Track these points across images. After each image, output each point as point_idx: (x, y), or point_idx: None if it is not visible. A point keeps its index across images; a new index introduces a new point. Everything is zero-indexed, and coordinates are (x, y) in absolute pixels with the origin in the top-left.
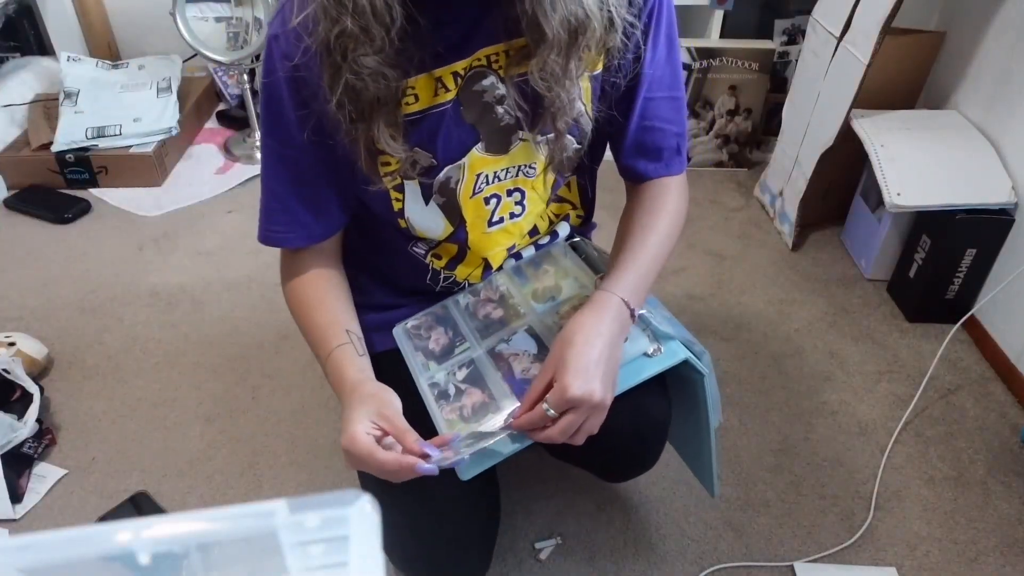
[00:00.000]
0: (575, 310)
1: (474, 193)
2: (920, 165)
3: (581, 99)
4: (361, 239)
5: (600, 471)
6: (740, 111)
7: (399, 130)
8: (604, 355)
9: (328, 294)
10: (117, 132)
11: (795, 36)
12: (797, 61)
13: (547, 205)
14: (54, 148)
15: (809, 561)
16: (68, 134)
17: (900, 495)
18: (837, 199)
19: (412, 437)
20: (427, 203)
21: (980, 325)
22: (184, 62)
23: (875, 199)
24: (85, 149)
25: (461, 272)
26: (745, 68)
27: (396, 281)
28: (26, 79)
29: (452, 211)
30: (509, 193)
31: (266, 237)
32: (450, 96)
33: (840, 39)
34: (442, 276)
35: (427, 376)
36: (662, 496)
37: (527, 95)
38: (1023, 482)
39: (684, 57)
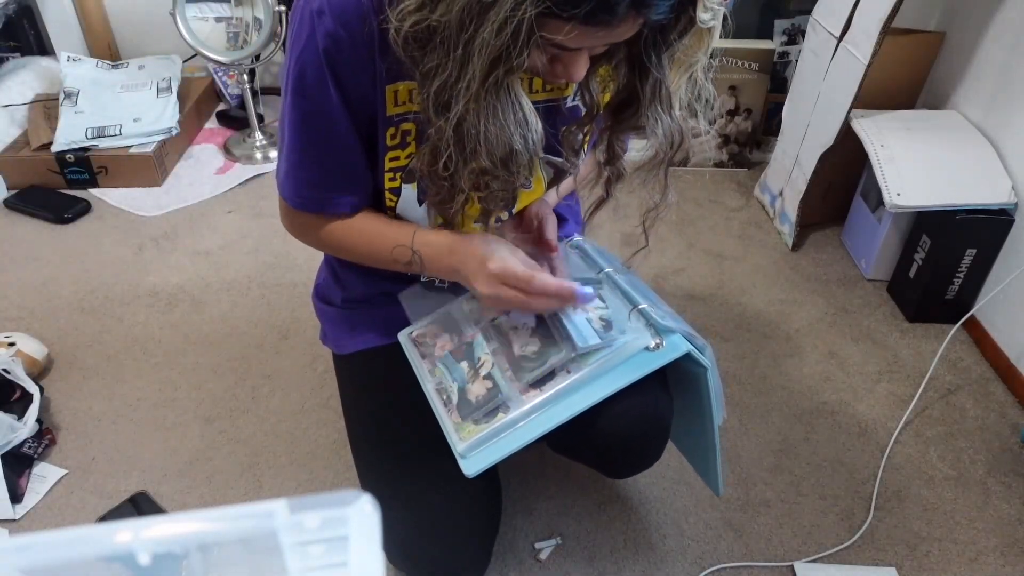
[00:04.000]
0: None
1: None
2: (920, 165)
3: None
4: None
5: (603, 467)
6: (740, 111)
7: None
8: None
9: (376, 214)
10: (117, 132)
11: (795, 36)
12: (797, 61)
13: None
14: (54, 148)
15: (809, 561)
16: (68, 134)
17: (900, 495)
18: (837, 199)
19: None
20: (421, 204)
21: (980, 325)
22: (184, 62)
23: (875, 199)
24: (85, 149)
25: None
26: (745, 68)
27: (380, 273)
28: (26, 79)
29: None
30: None
31: (305, 202)
32: None
33: (840, 39)
34: None
35: (434, 381)
36: (662, 496)
37: (553, 123)
38: (1023, 482)
39: None
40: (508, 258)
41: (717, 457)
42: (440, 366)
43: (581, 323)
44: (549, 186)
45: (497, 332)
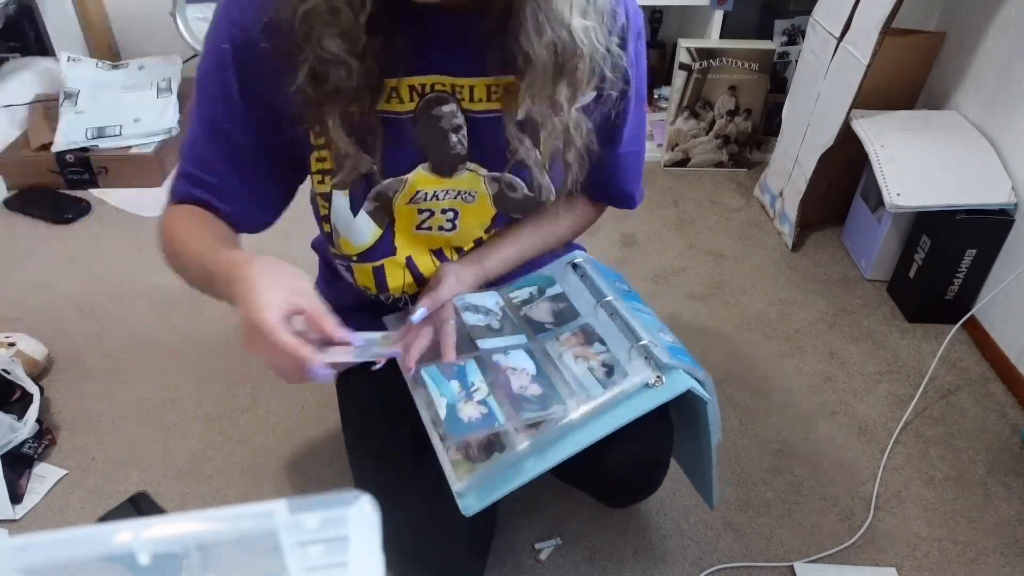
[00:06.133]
0: (574, 336)
1: (410, 202)
2: (920, 165)
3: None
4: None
5: (602, 498)
6: (740, 111)
7: (348, 126)
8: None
9: (207, 227)
10: (117, 132)
11: (795, 36)
12: (797, 61)
13: (487, 233)
14: (54, 148)
15: (809, 561)
16: (68, 134)
17: (900, 495)
18: (837, 199)
19: (331, 321)
20: (355, 215)
21: (980, 325)
22: (184, 62)
23: (875, 199)
24: (85, 149)
25: (394, 289)
26: (745, 68)
27: (348, 295)
28: (26, 79)
29: (382, 215)
30: (443, 212)
31: (183, 195)
32: (404, 109)
33: (840, 39)
34: (383, 297)
35: (419, 395)
36: (662, 496)
37: (487, 133)
38: (1023, 482)
39: (684, 57)
40: (266, 307)
41: (713, 474)
42: (424, 375)
43: (583, 374)
44: (496, 203)
45: (494, 367)
